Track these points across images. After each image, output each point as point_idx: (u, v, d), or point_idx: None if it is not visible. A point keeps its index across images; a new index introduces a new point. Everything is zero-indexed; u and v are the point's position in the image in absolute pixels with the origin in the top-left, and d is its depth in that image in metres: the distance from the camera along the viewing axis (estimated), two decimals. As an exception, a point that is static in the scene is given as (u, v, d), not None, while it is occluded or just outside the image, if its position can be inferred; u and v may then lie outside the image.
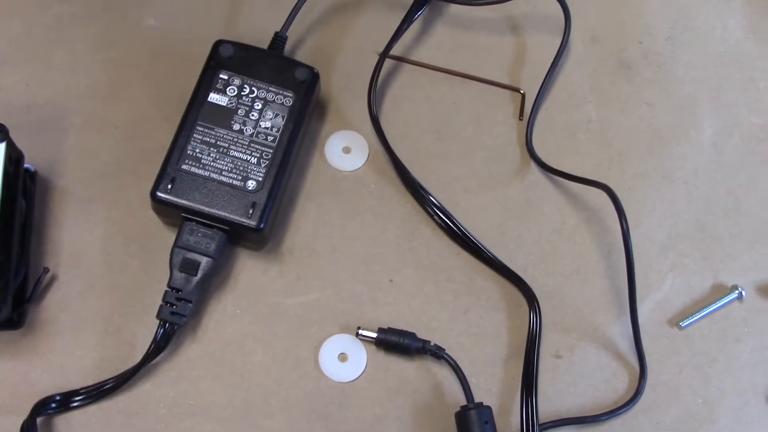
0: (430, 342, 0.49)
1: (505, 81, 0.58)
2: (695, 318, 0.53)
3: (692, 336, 0.53)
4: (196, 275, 0.48)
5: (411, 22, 0.57)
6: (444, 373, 0.50)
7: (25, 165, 0.49)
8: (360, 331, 0.49)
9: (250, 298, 0.50)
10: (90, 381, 0.47)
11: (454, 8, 0.59)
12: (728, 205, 0.56)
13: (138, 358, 0.47)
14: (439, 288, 0.52)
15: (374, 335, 0.49)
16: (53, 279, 0.49)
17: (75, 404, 0.47)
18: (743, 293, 0.53)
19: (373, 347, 0.50)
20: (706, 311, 0.53)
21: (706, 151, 0.58)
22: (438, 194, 0.54)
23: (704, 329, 0.53)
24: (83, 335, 0.48)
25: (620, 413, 0.50)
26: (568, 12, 0.58)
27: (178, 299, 0.47)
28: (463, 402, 0.48)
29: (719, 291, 0.54)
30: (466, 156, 0.56)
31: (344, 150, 0.55)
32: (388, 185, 0.54)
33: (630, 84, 0.59)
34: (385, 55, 0.56)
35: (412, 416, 0.49)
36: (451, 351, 0.50)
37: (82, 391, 0.47)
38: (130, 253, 0.51)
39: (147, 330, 0.48)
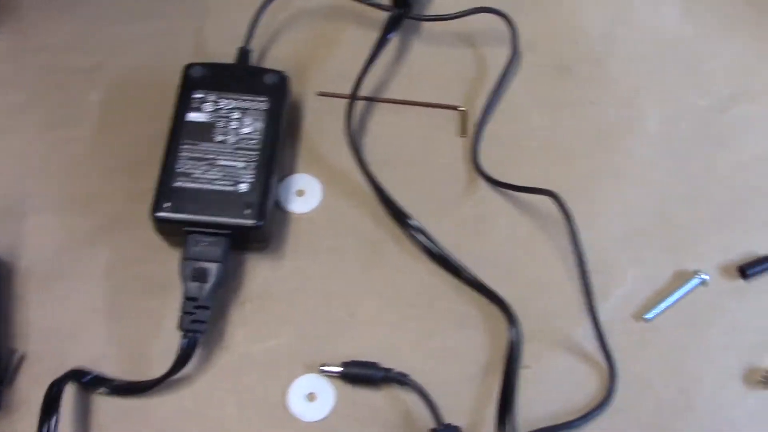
0: (393, 369, 0.50)
1: (456, 101, 0.59)
2: (659, 308, 0.52)
3: (660, 327, 0.53)
4: (207, 282, 0.50)
5: (376, 57, 0.59)
6: (413, 398, 0.50)
7: (-14, 253, 0.51)
8: (322, 368, 0.50)
9: (215, 351, 0.51)
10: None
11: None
12: (683, 192, 0.56)
13: None
14: (402, 315, 0.53)
15: (337, 370, 0.50)
16: (23, 359, 0.51)
17: (100, 390, 0.50)
18: (706, 277, 0.53)
19: (341, 383, 0.50)
20: (670, 300, 0.53)
21: (655, 140, 0.58)
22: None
23: (672, 319, 0.53)
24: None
25: (594, 415, 0.50)
26: (514, 26, 0.60)
27: (196, 307, 0.50)
28: (434, 425, 0.49)
29: (683, 279, 0.54)
30: (415, 181, 0.56)
31: (297, 193, 0.56)
32: (344, 223, 0.55)
33: (571, 86, 0.60)
34: (354, 96, 0.57)
35: (386, 446, 0.49)
36: (419, 375, 0.50)
37: (115, 382, 0.50)
38: (96, 322, 0.52)
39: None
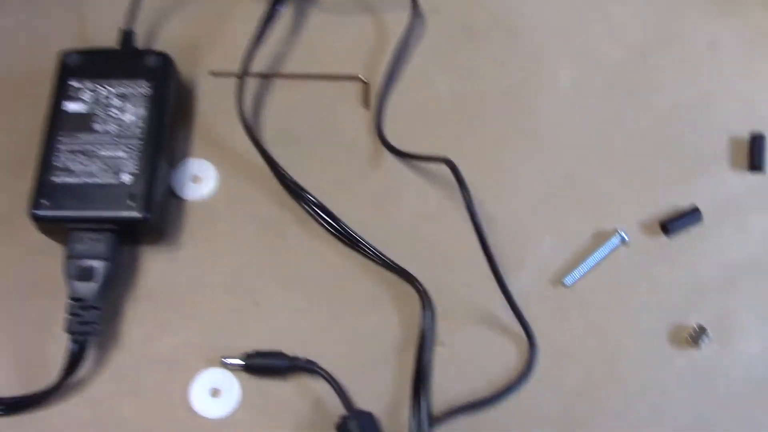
0: (299, 357, 0.47)
1: (358, 71, 0.56)
2: (578, 272, 0.50)
3: (581, 291, 0.50)
4: (95, 281, 0.47)
5: (266, 31, 0.56)
6: (323, 386, 0.47)
7: None
8: (224, 360, 0.47)
9: (111, 352, 0.48)
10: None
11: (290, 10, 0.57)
12: (598, 149, 0.54)
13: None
14: (309, 299, 0.50)
15: (240, 362, 0.47)
16: None
17: None
18: (624, 236, 0.51)
19: (246, 376, 0.47)
20: (589, 263, 0.50)
21: (567, 97, 0.55)
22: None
23: (592, 282, 0.50)
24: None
25: (515, 388, 0.47)
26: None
27: (85, 308, 0.47)
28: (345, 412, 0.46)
29: (602, 240, 0.51)
30: (318, 158, 0.53)
31: (193, 179, 0.53)
32: (243, 207, 0.52)
33: (478, 47, 0.57)
34: (245, 72, 0.54)
35: (297, 438, 0.47)
36: (330, 361, 0.47)
37: (4, 401, 0.46)
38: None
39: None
